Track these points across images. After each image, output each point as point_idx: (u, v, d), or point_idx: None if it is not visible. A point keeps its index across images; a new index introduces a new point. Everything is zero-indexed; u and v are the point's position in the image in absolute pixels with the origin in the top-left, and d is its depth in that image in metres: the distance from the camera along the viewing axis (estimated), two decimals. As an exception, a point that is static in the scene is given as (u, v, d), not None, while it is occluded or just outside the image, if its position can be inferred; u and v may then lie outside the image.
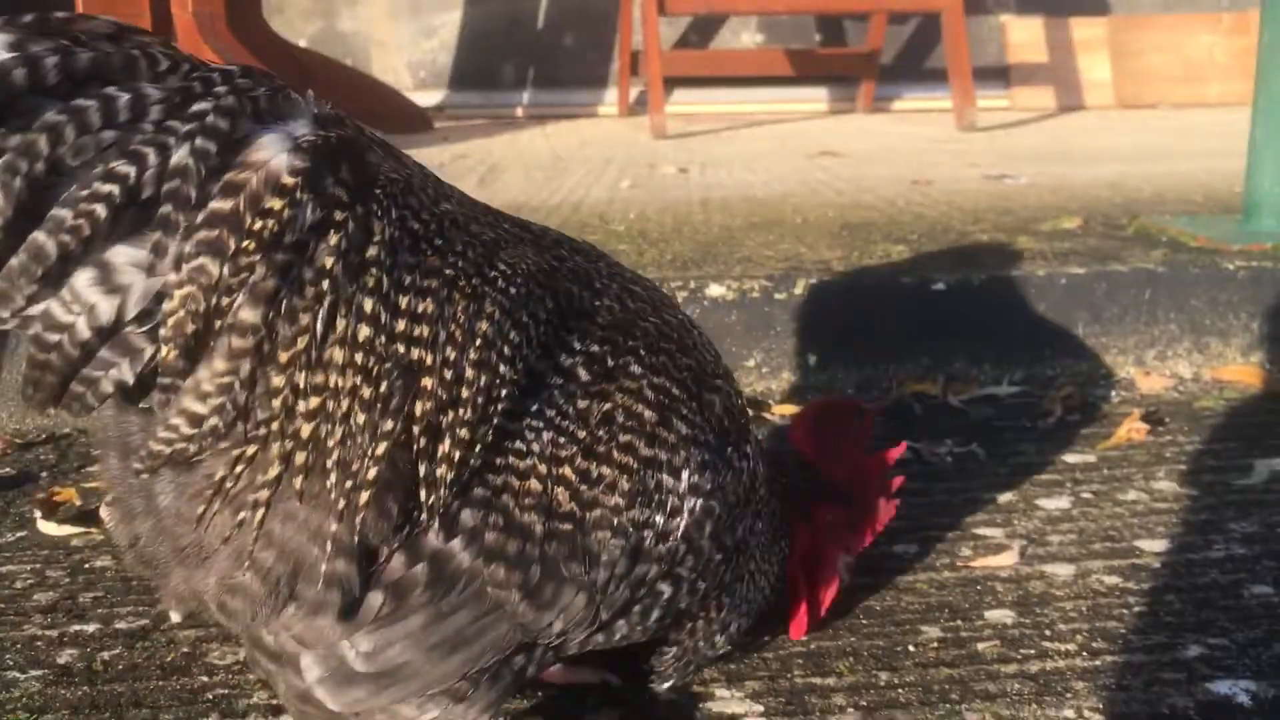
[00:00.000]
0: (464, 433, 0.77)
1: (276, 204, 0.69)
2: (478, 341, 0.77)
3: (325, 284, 0.71)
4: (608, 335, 0.86)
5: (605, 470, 0.82)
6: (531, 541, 0.79)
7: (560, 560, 0.80)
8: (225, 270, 0.69)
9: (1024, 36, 4.59)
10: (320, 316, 0.71)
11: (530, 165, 3.06)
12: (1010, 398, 1.71)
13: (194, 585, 0.80)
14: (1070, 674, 1.02)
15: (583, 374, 0.83)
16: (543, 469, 0.80)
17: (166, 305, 0.69)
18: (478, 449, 0.78)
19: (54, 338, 0.69)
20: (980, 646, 1.06)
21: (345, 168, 0.73)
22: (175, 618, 1.13)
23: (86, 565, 1.24)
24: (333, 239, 0.71)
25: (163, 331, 0.70)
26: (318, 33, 4.41)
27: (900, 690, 0.99)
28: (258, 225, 0.69)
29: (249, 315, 0.70)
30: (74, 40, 0.68)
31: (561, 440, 0.81)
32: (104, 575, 1.22)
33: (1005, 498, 1.37)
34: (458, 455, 0.77)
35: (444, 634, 0.79)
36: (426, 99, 4.36)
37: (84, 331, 0.69)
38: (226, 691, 1.00)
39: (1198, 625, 1.09)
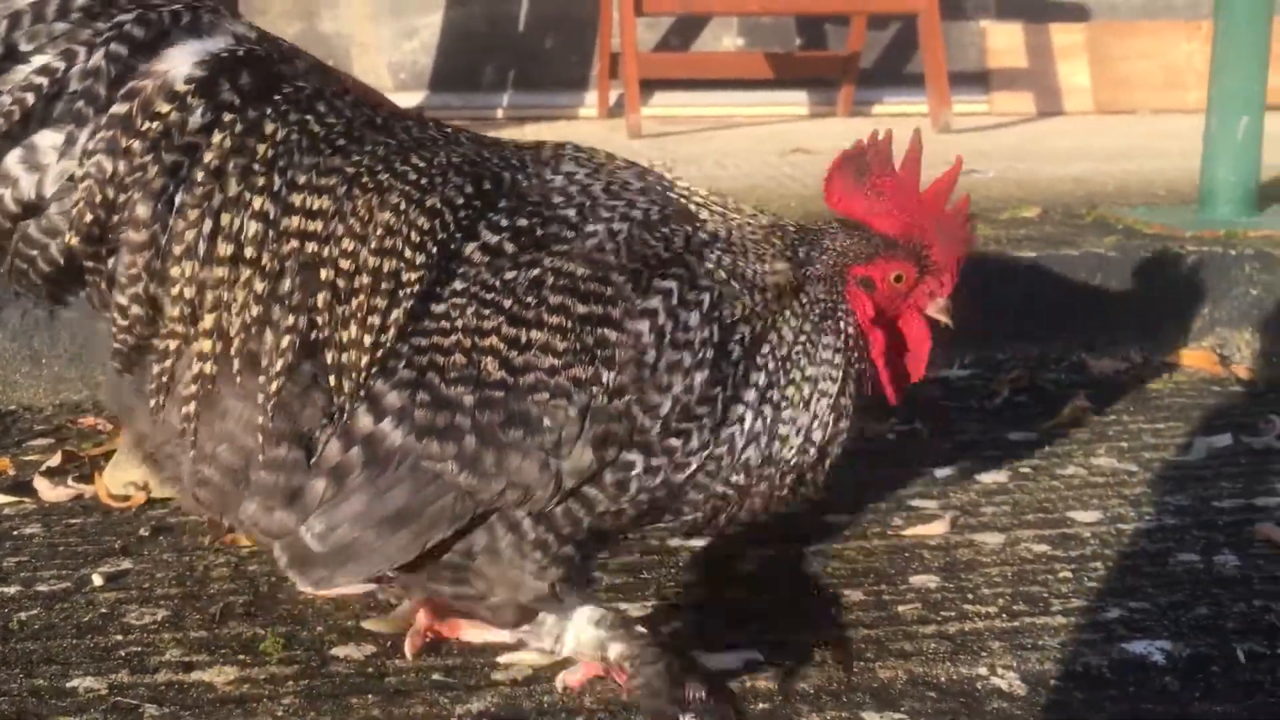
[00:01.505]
0: (372, 319, 0.80)
1: (164, 108, 0.76)
2: (378, 231, 0.81)
3: (212, 182, 0.77)
4: (536, 208, 0.87)
5: (535, 334, 0.82)
6: (462, 412, 0.81)
7: (497, 427, 0.81)
8: (119, 167, 0.76)
9: (1004, 42, 4.60)
10: (209, 213, 0.77)
11: (502, 161, 3.06)
12: (960, 380, 1.71)
13: (180, 476, 0.86)
14: (988, 634, 1.01)
15: (509, 247, 0.85)
16: (467, 342, 0.82)
17: (72, 195, 0.77)
18: (390, 333, 0.81)
19: None
20: (901, 609, 1.06)
21: (246, 76, 0.79)
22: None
23: (15, 532, 1.23)
24: (219, 139, 0.77)
25: (70, 218, 0.78)
26: (299, 34, 4.42)
27: (816, 649, 0.99)
28: (146, 127, 0.76)
29: (142, 211, 0.77)
30: None
31: (486, 312, 0.82)
32: (31, 541, 1.21)
33: (944, 472, 1.37)
34: (367, 340, 0.81)
35: (387, 510, 0.82)
36: (407, 100, 4.37)
37: (10, 204, 0.78)
38: (140, 649, 1.00)
39: (1121, 591, 1.08)
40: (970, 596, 1.08)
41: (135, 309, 0.80)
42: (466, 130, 0.94)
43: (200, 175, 0.78)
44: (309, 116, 0.82)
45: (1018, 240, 1.88)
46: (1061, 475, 1.36)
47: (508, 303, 0.82)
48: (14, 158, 0.76)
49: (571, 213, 0.87)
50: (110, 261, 0.80)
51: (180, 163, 0.77)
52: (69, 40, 0.77)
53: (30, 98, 0.76)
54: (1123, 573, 1.12)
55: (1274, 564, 1.13)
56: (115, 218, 0.78)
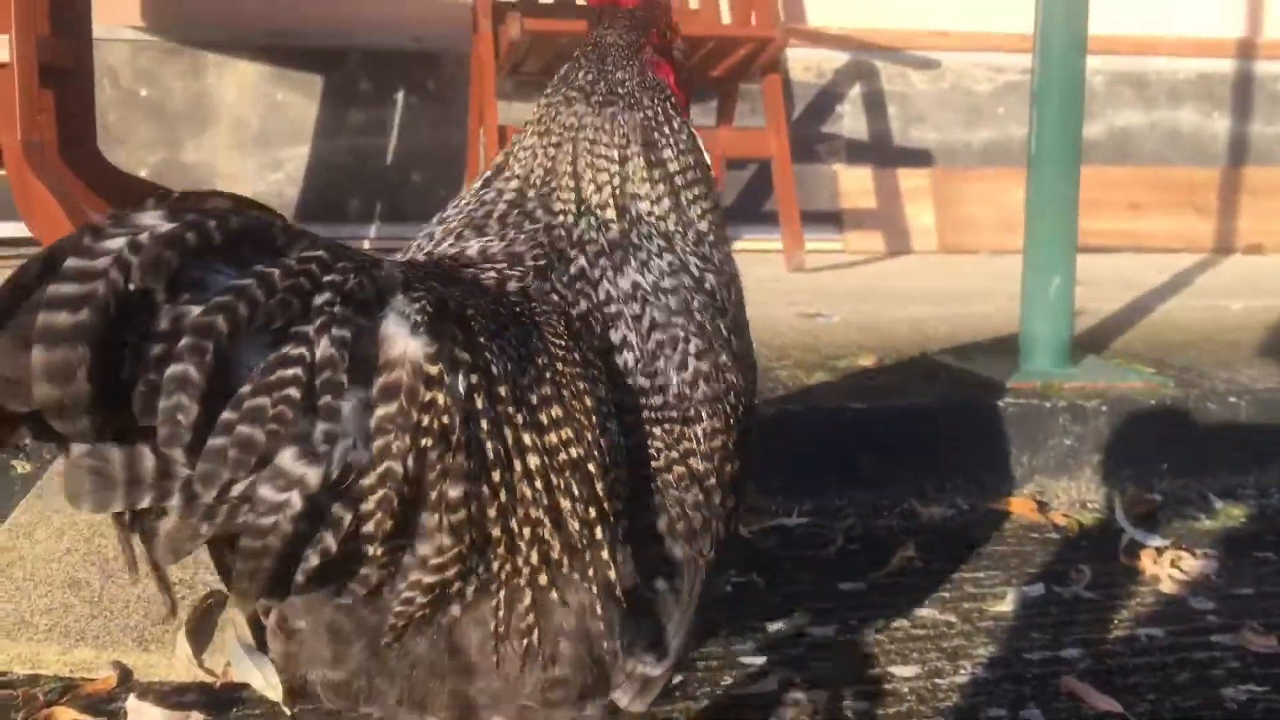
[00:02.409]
0: (621, 476, 0.88)
1: (430, 395, 0.74)
2: (590, 402, 0.86)
3: (491, 440, 0.78)
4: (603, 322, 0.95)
5: (708, 424, 0.94)
6: (701, 506, 0.93)
7: (710, 504, 0.94)
8: (411, 465, 0.74)
9: (855, 185, 4.84)
10: (500, 469, 0.78)
11: (362, 298, 3.08)
12: (799, 528, 1.77)
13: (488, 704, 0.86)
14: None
15: (626, 361, 0.94)
16: (669, 453, 0.92)
17: (365, 482, 0.73)
18: (642, 469, 0.91)
19: (269, 520, 0.70)
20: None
21: (455, 329, 0.78)
22: None
23: None
24: (479, 402, 0.78)
25: (365, 510, 0.73)
26: (160, 163, 4.40)
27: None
28: (426, 421, 0.74)
29: (452, 492, 0.76)
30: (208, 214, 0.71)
31: (677, 425, 0.93)
32: None
33: (776, 626, 1.41)
34: (638, 486, 0.90)
35: (691, 610, 0.92)
36: (271, 230, 4.36)
37: (298, 504, 0.70)
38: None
39: (934, 748, 1.13)
40: (790, 758, 1.11)
41: (450, 570, 0.78)
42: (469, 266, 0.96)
43: (480, 431, 0.78)
44: (496, 341, 0.83)
45: (854, 389, 1.97)
46: (887, 628, 1.41)
47: (690, 411, 0.94)
48: (289, 456, 0.70)
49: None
50: (402, 540, 0.76)
51: (459, 429, 0.76)
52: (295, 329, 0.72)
53: (294, 392, 0.70)
54: (936, 730, 1.17)
55: (1076, 719, 1.19)
56: (415, 506, 0.75)
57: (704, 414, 0.96)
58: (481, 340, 0.81)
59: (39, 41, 3.10)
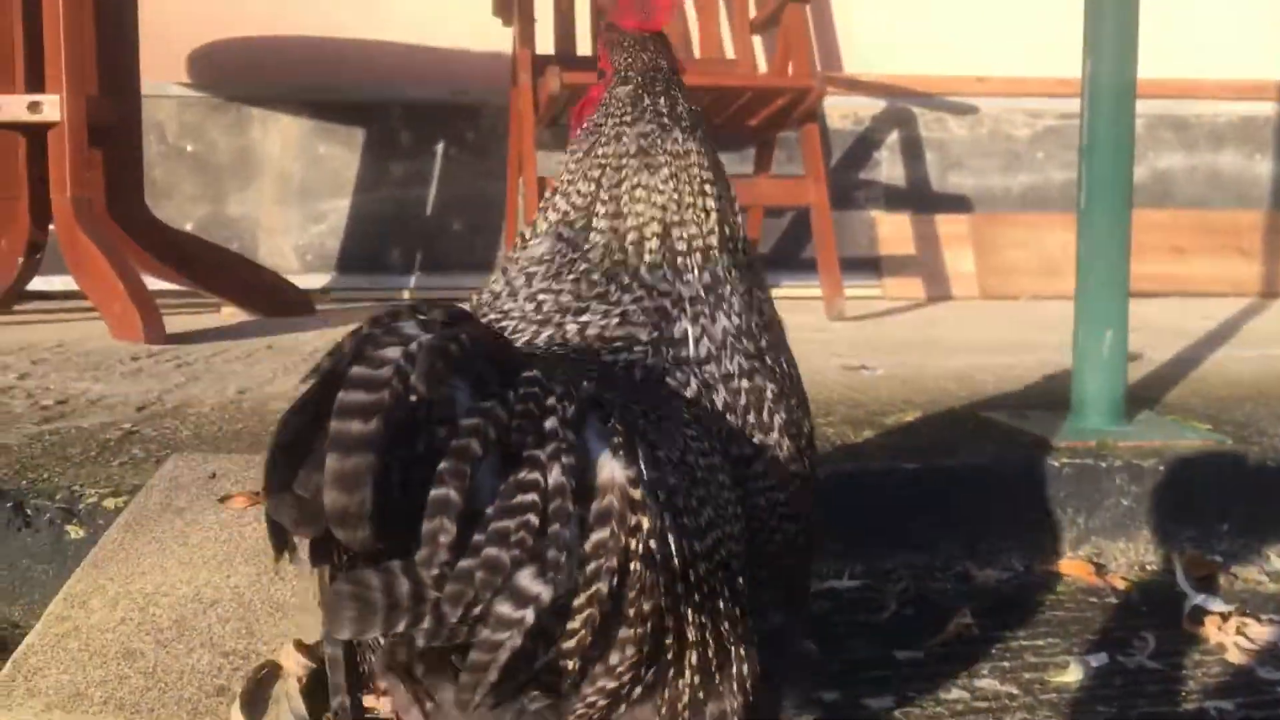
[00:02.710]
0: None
1: (638, 519, 0.76)
2: (728, 496, 0.87)
3: (675, 554, 0.78)
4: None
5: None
6: (795, 570, 0.96)
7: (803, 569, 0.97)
8: (615, 584, 0.74)
9: (893, 231, 4.83)
10: (679, 579, 0.78)
11: (405, 351, 3.09)
12: (850, 591, 1.74)
13: None
14: None
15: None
16: (770, 520, 0.93)
17: (575, 601, 0.74)
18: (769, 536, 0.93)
19: (502, 635, 0.70)
20: None
21: (641, 447, 0.79)
22: None
23: None
24: (667, 519, 0.79)
25: (572, 628, 0.74)
26: (205, 217, 4.46)
27: None
28: (634, 545, 0.75)
29: (647, 605, 0.76)
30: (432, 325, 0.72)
31: (763, 499, 0.94)
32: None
33: (831, 696, 1.39)
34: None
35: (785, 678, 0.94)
36: (312, 281, 4.40)
37: (530, 620, 0.70)
38: None
39: (1002, 831, 1.10)
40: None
41: (629, 675, 0.78)
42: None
43: (668, 546, 0.78)
44: (660, 442, 0.85)
45: (903, 448, 1.94)
46: (946, 700, 1.38)
47: (778, 471, 0.96)
48: (528, 574, 0.71)
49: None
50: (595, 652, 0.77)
51: (657, 548, 0.77)
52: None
53: (533, 518, 0.71)
54: (1003, 811, 1.14)
55: (1147, 798, 1.16)
56: (612, 620, 0.76)
57: (790, 469, 0.95)
58: (659, 455, 0.82)
59: (89, 101, 3.16)
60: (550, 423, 0.72)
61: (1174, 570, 1.78)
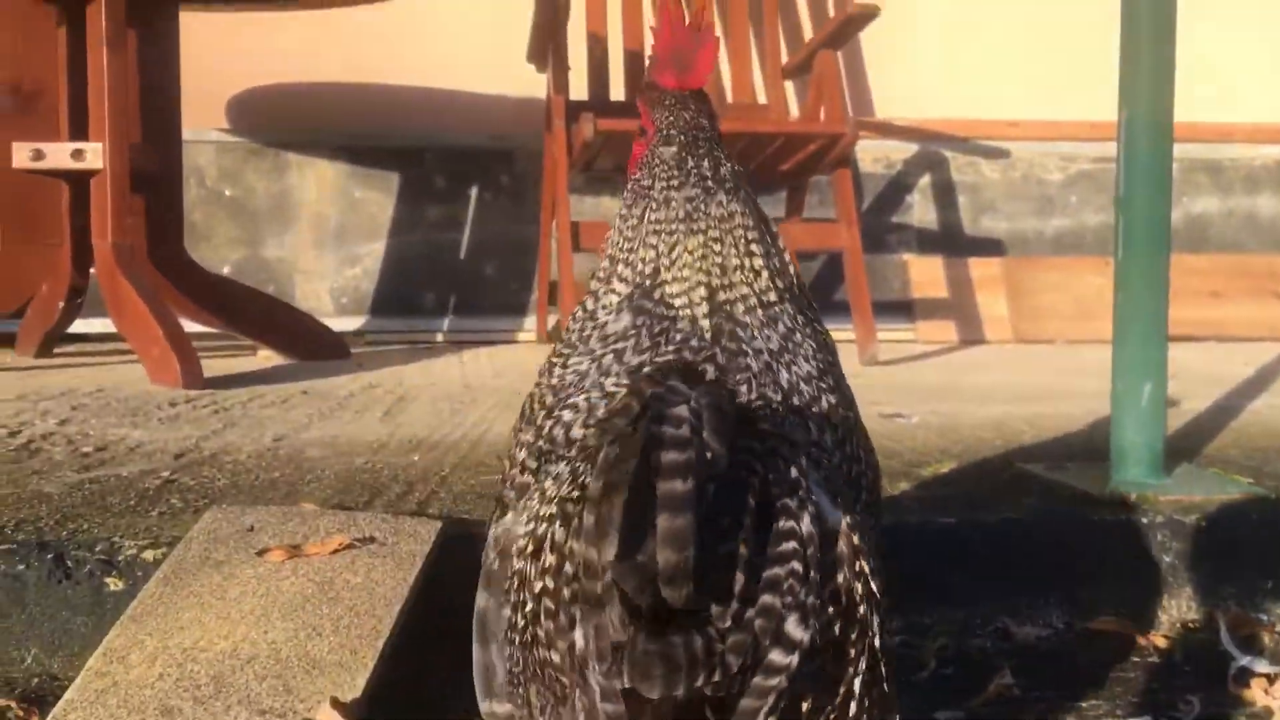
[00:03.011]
0: None
1: (860, 564, 0.81)
2: (868, 536, 0.87)
3: (881, 596, 0.83)
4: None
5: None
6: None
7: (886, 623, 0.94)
8: (844, 627, 0.79)
9: (925, 274, 4.82)
10: (874, 617, 0.82)
11: (439, 396, 3.10)
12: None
13: None
14: None
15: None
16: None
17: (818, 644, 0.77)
18: None
19: (773, 681, 0.72)
20: None
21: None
22: None
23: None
24: (874, 560, 0.84)
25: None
26: (242, 260, 4.51)
27: None
28: (860, 589, 0.80)
29: (865, 643, 0.80)
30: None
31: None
32: None
33: (871, 760, 1.37)
34: None
35: None
36: (347, 324, 4.44)
37: (795, 665, 0.72)
38: None
39: None
40: None
41: (834, 706, 0.81)
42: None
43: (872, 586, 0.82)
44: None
45: (940, 500, 1.93)
46: (987, 764, 1.36)
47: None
48: (794, 620, 0.73)
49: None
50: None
51: (876, 589, 0.82)
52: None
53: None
54: None
55: None
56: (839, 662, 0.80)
57: (865, 501, 0.97)
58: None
59: (132, 149, 3.21)
60: (794, 473, 0.76)
61: (1217, 629, 1.76)
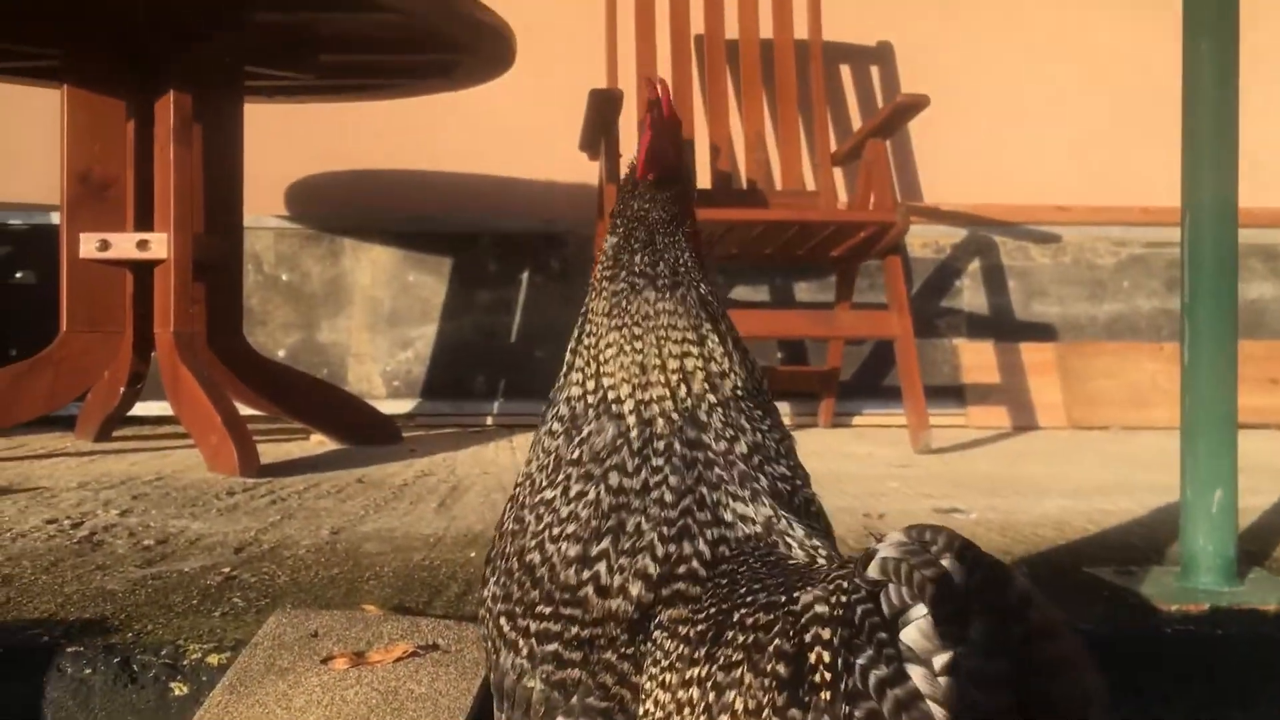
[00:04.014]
0: None
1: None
2: None
3: None
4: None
5: None
6: None
7: None
8: None
9: (976, 359, 4.79)
10: None
11: (492, 486, 3.11)
12: (956, 763, 1.68)
13: None
14: None
15: None
16: None
17: None
18: None
19: None
20: None
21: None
22: None
23: None
24: None
25: None
26: (296, 344, 4.57)
27: None
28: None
29: None
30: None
31: None
32: None
33: None
34: None
35: None
36: (398, 407, 4.48)
37: None
38: None
39: None
40: None
41: None
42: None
43: None
44: None
45: (1006, 608, 1.89)
46: None
47: None
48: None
49: None
50: None
51: None
52: None
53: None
54: None
55: None
56: None
57: None
58: None
59: (195, 239, 3.28)
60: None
61: (1299, 747, 1.70)
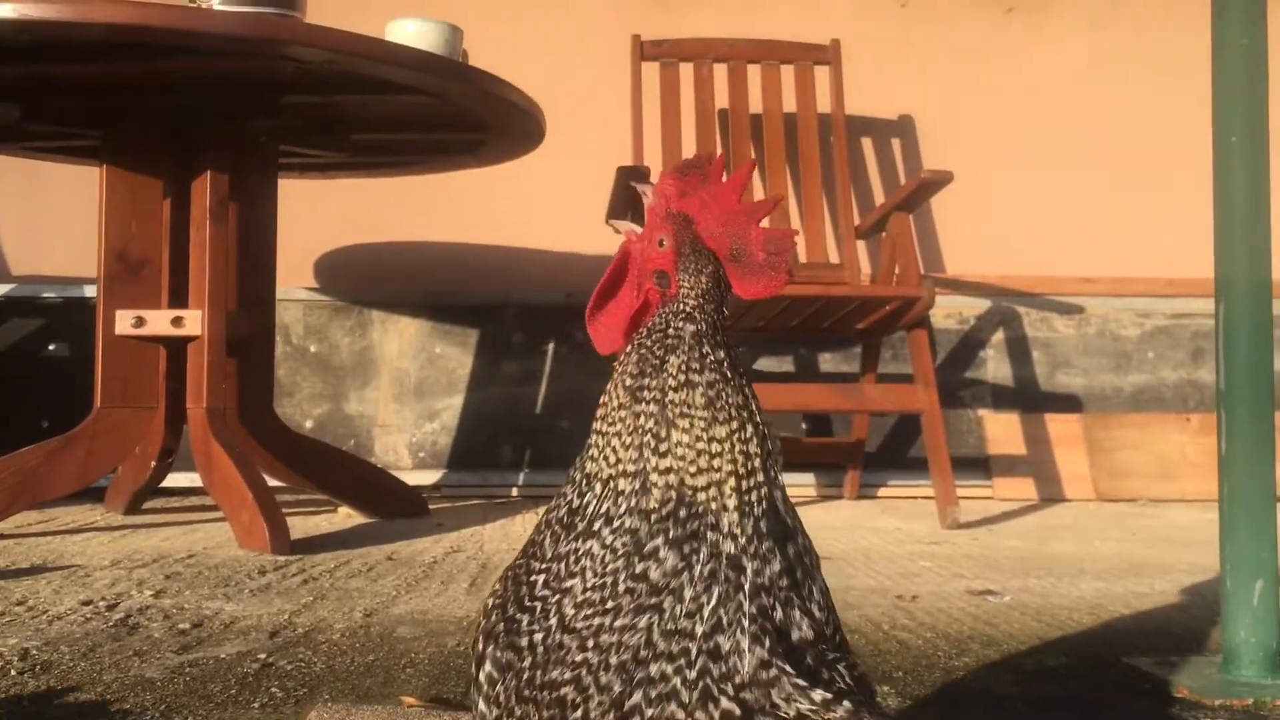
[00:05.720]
0: None
1: None
2: None
3: None
4: None
5: None
6: None
7: None
8: None
9: (1002, 430, 4.78)
10: None
11: (521, 563, 3.10)
12: None
13: None
14: None
15: None
16: None
17: None
18: None
19: None
20: None
21: None
22: None
23: None
24: None
25: None
26: (324, 415, 4.60)
27: None
28: None
29: None
30: None
31: None
32: None
33: None
34: None
35: None
36: (424, 478, 4.48)
37: None
38: None
39: None
40: None
41: None
42: None
43: None
44: None
45: (1049, 701, 1.88)
46: None
47: None
48: None
49: None
50: None
51: None
52: None
53: None
54: None
55: None
56: None
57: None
58: None
59: (228, 316, 3.32)
60: None
61: None
